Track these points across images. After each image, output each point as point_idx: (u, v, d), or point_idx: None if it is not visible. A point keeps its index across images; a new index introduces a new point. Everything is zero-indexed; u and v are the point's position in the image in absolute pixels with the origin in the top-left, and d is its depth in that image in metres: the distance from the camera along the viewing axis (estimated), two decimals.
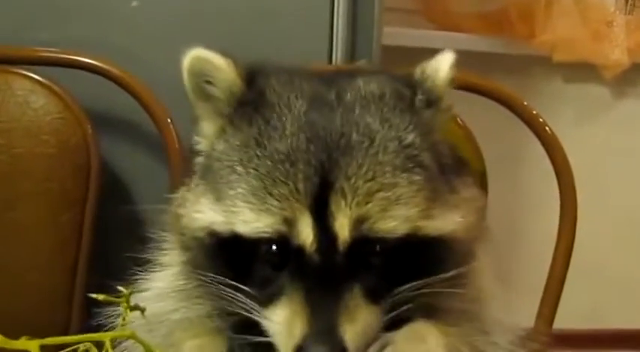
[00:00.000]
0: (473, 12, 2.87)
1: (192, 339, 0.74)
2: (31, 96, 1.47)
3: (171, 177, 1.48)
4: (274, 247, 0.70)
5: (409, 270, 0.71)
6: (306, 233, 0.68)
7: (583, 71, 2.97)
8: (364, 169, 0.69)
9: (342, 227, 0.68)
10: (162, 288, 0.80)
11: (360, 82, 0.76)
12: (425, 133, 0.73)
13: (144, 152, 1.62)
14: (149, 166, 1.61)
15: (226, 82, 0.76)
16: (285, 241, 0.69)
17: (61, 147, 1.48)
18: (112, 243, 1.60)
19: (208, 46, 0.76)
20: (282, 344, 0.69)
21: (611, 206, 2.92)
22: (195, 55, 0.77)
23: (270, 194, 0.69)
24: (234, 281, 0.71)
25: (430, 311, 0.74)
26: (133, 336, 0.66)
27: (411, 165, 0.71)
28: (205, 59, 0.77)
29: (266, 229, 0.69)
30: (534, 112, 1.43)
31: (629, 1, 2.92)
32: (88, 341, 0.64)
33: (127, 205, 1.63)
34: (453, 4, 2.87)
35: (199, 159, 0.79)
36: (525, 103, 1.43)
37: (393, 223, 0.69)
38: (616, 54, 2.89)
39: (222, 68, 0.76)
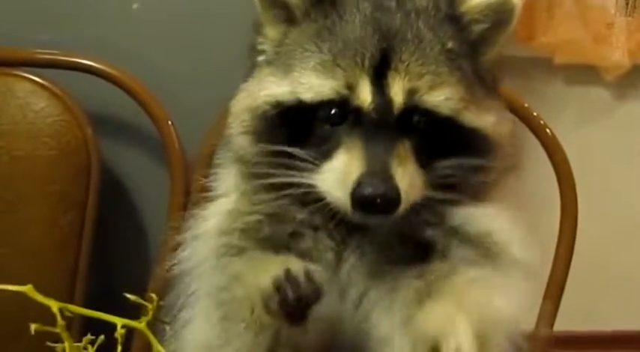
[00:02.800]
0: None
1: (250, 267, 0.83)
2: (31, 99, 1.48)
3: (172, 179, 1.48)
4: (334, 110, 0.82)
5: (448, 151, 0.83)
6: (364, 95, 0.81)
7: (584, 73, 2.97)
8: (415, 57, 0.83)
9: (397, 94, 0.81)
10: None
11: None
12: (463, 44, 0.87)
13: (144, 154, 1.62)
14: (149, 168, 1.61)
15: None
16: (345, 103, 0.82)
17: (62, 149, 1.48)
18: (113, 245, 1.60)
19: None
20: (340, 185, 0.79)
21: (612, 208, 2.92)
22: None
23: (338, 65, 0.82)
24: (291, 147, 0.82)
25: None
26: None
27: (450, 64, 0.85)
28: None
29: (330, 92, 0.82)
30: (535, 114, 1.43)
31: (630, 3, 2.92)
32: None
33: (127, 207, 1.63)
34: None
35: (262, 57, 0.91)
36: (526, 105, 1.43)
37: (439, 98, 0.83)
38: (617, 56, 2.89)
39: None
